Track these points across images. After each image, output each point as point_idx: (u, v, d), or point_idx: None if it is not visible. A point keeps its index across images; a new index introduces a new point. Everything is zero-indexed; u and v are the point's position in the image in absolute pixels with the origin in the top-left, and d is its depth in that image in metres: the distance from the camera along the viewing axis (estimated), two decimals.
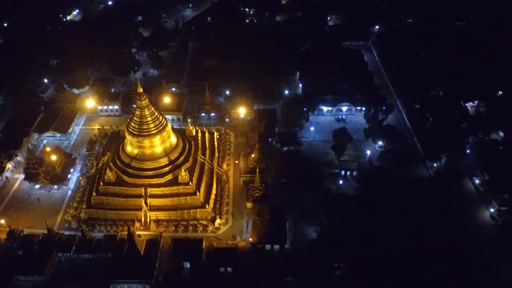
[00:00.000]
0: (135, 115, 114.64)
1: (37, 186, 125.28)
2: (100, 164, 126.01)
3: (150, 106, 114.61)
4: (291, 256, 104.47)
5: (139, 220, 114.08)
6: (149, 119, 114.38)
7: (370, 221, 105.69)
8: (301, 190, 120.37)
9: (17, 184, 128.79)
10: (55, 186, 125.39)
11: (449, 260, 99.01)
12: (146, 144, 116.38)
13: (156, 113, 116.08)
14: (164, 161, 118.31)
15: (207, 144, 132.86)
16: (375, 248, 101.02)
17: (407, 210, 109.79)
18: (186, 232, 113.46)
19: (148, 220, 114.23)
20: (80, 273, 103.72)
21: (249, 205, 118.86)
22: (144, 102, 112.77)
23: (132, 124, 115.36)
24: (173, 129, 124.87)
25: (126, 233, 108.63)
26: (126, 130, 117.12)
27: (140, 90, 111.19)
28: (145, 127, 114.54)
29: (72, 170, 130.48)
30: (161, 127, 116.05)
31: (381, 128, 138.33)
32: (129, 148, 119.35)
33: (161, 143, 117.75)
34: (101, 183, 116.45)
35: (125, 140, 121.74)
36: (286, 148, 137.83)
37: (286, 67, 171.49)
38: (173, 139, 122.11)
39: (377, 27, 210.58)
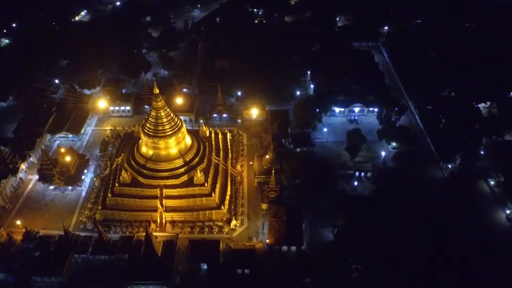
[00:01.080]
0: (151, 116, 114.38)
1: (51, 187, 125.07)
2: (114, 165, 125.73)
3: (166, 107, 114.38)
4: (308, 258, 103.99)
5: (155, 221, 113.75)
6: (164, 120, 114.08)
7: (387, 222, 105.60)
8: (315, 191, 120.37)
9: (31, 185, 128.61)
10: (69, 187, 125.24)
11: (465, 261, 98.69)
12: (162, 145, 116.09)
13: (172, 114, 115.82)
14: (179, 162, 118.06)
15: (221, 145, 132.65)
16: (392, 250, 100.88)
17: (424, 211, 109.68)
18: (202, 233, 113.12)
19: (164, 221, 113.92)
20: (96, 274, 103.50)
21: (264, 206, 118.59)
22: (160, 103, 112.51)
23: (148, 125, 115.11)
24: (187, 130, 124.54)
25: (142, 234, 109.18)
26: (141, 131, 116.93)
27: (156, 91, 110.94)
28: (160, 128, 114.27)
29: (85, 171, 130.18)
30: (176, 128, 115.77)
31: (395, 129, 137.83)
32: (144, 149, 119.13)
33: (176, 144, 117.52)
34: (116, 184, 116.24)
35: (140, 141, 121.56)
36: (299, 149, 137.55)
37: (297, 67, 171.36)
38: (188, 140, 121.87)
39: (386, 28, 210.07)
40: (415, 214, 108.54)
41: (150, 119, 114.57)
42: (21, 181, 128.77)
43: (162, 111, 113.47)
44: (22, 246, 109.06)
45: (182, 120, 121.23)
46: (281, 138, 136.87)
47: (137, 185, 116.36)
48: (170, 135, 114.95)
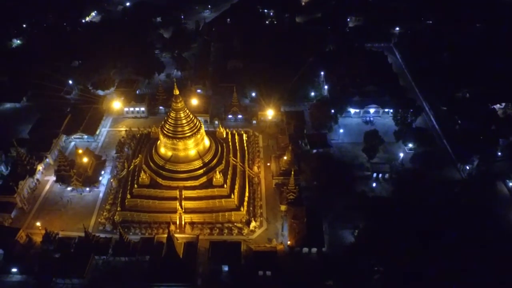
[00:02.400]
0: (170, 117, 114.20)
1: (69, 188, 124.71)
2: (132, 166, 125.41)
3: (185, 109, 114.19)
4: (330, 260, 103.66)
5: (174, 223, 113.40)
6: (184, 121, 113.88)
7: (407, 224, 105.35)
8: (334, 193, 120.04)
9: (48, 186, 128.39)
10: (87, 188, 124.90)
11: (486, 262, 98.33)
12: (180, 147, 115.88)
13: (191, 116, 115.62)
14: (198, 163, 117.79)
15: (237, 146, 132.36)
16: (414, 251, 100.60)
17: (443, 213, 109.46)
18: (221, 235, 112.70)
19: (183, 222, 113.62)
20: (118, 276, 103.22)
21: (283, 207, 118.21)
22: (179, 104, 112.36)
23: (167, 126, 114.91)
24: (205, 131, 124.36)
25: (162, 235, 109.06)
26: (160, 132, 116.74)
27: (176, 92, 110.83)
28: (179, 129, 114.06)
29: (102, 172, 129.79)
30: (195, 130, 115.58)
31: (412, 131, 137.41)
32: (162, 150, 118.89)
33: (195, 146, 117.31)
34: (135, 185, 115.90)
35: (158, 142, 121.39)
36: (315, 150, 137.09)
37: (310, 68, 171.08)
38: (206, 141, 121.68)
39: (397, 28, 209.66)
40: (435, 215, 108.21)
41: (170, 120, 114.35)
42: (38, 182, 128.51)
43: (181, 112, 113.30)
44: (42, 248, 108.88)
45: (201, 121, 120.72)
46: (298, 139, 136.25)
47: (156, 187, 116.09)
48: (189, 137, 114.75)
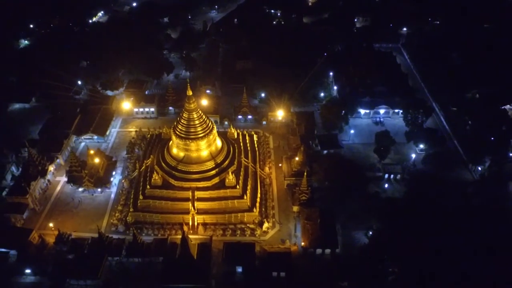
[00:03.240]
0: (183, 117, 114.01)
1: (80, 189, 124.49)
2: (144, 167, 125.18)
3: (198, 109, 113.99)
4: (344, 261, 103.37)
5: (187, 224, 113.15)
6: (196, 122, 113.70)
7: (422, 225, 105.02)
8: (346, 193, 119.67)
9: (59, 187, 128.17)
10: (98, 189, 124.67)
11: (502, 263, 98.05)
12: (193, 147, 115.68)
13: (204, 117, 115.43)
14: (210, 164, 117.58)
15: (249, 147, 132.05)
16: (429, 253, 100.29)
17: (458, 214, 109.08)
18: (234, 236, 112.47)
19: (196, 223, 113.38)
20: (131, 277, 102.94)
21: (295, 208, 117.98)
22: (192, 105, 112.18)
23: (179, 127, 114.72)
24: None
25: (175, 236, 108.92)
26: (172, 132, 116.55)
27: (190, 93, 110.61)
28: (192, 130, 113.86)
29: (113, 173, 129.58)
30: (208, 131, 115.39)
31: (423, 131, 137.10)
32: (174, 151, 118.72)
33: (207, 147, 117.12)
34: (147, 186, 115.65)
35: (170, 143, 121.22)
36: (326, 151, 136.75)
37: (319, 69, 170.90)
38: (219, 142, 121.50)
39: (404, 29, 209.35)
40: (450, 216, 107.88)
41: (182, 121, 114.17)
42: (49, 183, 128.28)
43: (194, 113, 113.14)
44: (55, 249, 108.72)
45: (213, 122, 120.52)
46: (309, 140, 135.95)
47: (169, 187, 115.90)
48: (201, 137, 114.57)
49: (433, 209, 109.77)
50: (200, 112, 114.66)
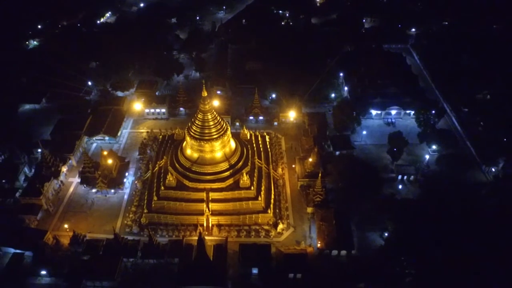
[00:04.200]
0: (197, 118, 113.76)
1: (93, 190, 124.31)
2: (157, 168, 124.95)
3: (213, 110, 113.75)
4: (360, 262, 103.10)
5: (201, 225, 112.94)
6: (211, 123, 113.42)
7: (438, 226, 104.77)
8: (360, 195, 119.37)
9: (72, 188, 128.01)
10: (112, 190, 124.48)
11: None
12: (207, 149, 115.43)
13: (218, 118, 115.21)
14: (224, 165, 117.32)
15: (261, 148, 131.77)
16: (445, 254, 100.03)
17: (474, 215, 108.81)
18: (249, 237, 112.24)
19: (210, 225, 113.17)
20: (147, 278, 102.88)
21: (309, 209, 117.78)
22: (207, 106, 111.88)
23: (194, 128, 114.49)
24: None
25: (190, 238, 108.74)
26: (187, 133, 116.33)
27: (205, 93, 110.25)
28: (206, 131, 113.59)
29: (126, 174, 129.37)
30: (222, 132, 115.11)
31: (436, 132, 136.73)
32: (188, 152, 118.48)
33: (221, 148, 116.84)
34: (162, 187, 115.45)
35: (184, 144, 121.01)
36: (338, 152, 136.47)
37: (329, 69, 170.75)
38: (232, 143, 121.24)
39: (413, 30, 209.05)
40: (466, 218, 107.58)
41: (197, 122, 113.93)
42: (62, 184, 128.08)
43: (209, 114, 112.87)
44: (70, 250, 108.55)
45: (227, 123, 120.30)
46: (321, 141, 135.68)
47: (183, 189, 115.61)
48: (216, 138, 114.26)
49: (450, 211, 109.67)
50: (215, 113, 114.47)
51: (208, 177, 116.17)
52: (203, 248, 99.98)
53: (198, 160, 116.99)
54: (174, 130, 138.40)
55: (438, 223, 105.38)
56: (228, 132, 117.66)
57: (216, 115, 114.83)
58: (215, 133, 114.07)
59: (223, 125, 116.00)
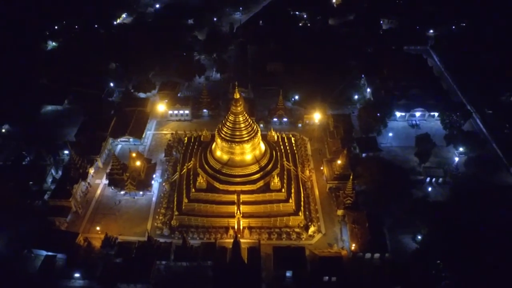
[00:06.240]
0: (228, 120, 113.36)
1: (122, 192, 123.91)
2: (185, 170, 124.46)
3: (244, 112, 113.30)
4: (395, 265, 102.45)
5: (232, 227, 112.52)
6: (242, 125, 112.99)
7: (474, 229, 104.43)
8: (390, 197, 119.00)
9: (99, 190, 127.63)
10: (140, 192, 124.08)
11: None
12: (237, 151, 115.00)
13: (249, 120, 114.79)
14: (254, 167, 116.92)
15: (288, 150, 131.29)
16: (483, 257, 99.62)
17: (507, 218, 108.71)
18: (280, 240, 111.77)
19: (241, 227, 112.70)
20: (181, 281, 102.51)
21: (339, 212, 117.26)
22: (239, 108, 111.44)
23: (225, 130, 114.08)
24: None
25: (222, 240, 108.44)
26: (217, 135, 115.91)
27: (237, 95, 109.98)
28: (237, 133, 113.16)
29: (154, 175, 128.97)
30: (253, 134, 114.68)
31: (463, 134, 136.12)
32: (218, 154, 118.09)
33: (252, 150, 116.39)
34: (192, 189, 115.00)
35: (213, 146, 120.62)
36: (365, 154, 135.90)
37: (350, 71, 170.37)
38: (262, 145, 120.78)
39: (431, 31, 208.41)
40: (502, 220, 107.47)
41: (228, 123, 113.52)
42: (89, 186, 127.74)
43: (240, 116, 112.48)
44: (102, 252, 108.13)
45: (258, 125, 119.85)
46: (348, 143, 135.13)
47: (213, 191, 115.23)
48: (247, 141, 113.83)
49: (483, 213, 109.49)
50: (246, 115, 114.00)
51: (238, 179, 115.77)
52: (239, 251, 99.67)
53: (228, 162, 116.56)
54: (199, 131, 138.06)
55: (474, 226, 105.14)
56: (259, 134, 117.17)
57: (247, 117, 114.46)
58: (246, 135, 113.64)
59: (254, 127, 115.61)
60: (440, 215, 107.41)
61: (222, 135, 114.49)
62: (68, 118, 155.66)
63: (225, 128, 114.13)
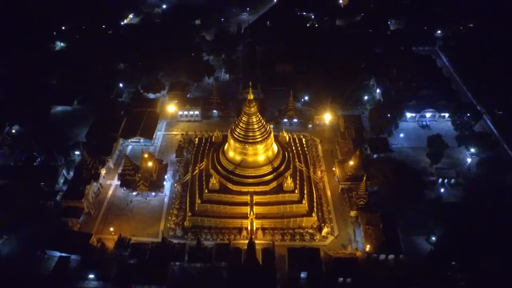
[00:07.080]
0: (242, 121, 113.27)
1: (134, 193, 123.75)
2: (197, 171, 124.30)
3: (258, 114, 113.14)
4: (410, 267, 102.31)
5: (245, 228, 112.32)
6: (255, 126, 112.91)
7: (489, 230, 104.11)
8: (403, 198, 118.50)
9: (111, 191, 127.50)
10: (152, 193, 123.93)
11: None
12: (250, 151, 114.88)
13: (263, 121, 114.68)
14: (267, 168, 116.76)
15: (300, 150, 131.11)
16: (498, 258, 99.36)
17: None
18: (293, 241, 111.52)
19: (255, 228, 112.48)
20: (195, 282, 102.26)
21: (352, 213, 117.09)
22: (252, 109, 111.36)
23: (238, 130, 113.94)
24: None
25: (236, 241, 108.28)
26: (230, 136, 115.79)
27: (251, 97, 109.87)
28: (250, 134, 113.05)
29: (165, 176, 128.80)
30: (266, 135, 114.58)
31: (475, 135, 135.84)
32: (231, 154, 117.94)
33: (265, 151, 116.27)
34: (205, 190, 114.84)
35: (226, 147, 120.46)
36: (376, 155, 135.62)
37: (359, 72, 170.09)
38: (275, 146, 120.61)
39: (438, 32, 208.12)
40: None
41: (241, 124, 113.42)
42: (101, 187, 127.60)
43: (254, 117, 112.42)
44: (115, 253, 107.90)
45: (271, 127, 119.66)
46: (360, 144, 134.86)
47: (226, 192, 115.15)
48: (260, 142, 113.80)
49: (497, 214, 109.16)
50: (259, 116, 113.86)
51: (251, 180, 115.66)
52: (254, 252, 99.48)
53: (241, 163, 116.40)
54: (210, 132, 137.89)
55: (489, 227, 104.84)
56: (272, 135, 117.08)
57: (261, 118, 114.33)
58: (259, 136, 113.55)
59: (267, 128, 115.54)
60: (453, 216, 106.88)
61: (235, 136, 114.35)
62: (78, 119, 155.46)
63: (238, 129, 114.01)
